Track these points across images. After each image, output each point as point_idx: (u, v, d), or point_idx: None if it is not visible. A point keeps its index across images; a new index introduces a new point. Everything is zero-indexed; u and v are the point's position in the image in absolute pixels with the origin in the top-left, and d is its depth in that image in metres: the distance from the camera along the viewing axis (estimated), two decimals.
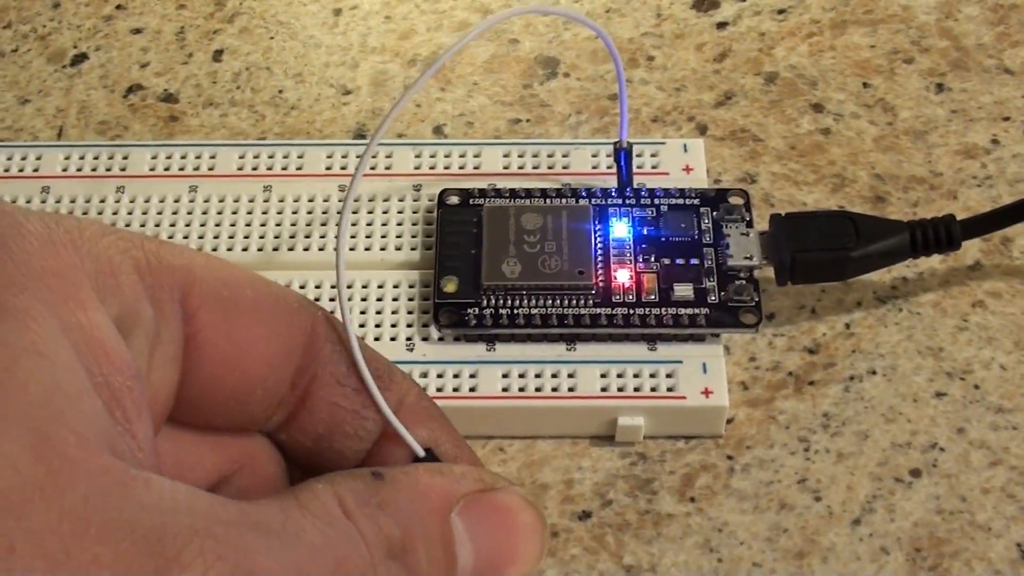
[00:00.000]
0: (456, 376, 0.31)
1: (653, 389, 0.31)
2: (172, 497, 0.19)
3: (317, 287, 0.32)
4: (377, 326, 0.32)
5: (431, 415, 0.25)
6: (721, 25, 0.40)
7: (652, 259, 0.32)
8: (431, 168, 0.35)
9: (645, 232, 0.32)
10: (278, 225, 0.34)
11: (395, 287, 0.32)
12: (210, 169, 0.35)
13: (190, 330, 0.23)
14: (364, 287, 0.32)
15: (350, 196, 0.26)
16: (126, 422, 0.20)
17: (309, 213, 0.34)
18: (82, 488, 0.18)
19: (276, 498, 0.21)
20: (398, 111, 0.25)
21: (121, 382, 0.20)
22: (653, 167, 0.35)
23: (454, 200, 0.33)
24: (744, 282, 0.31)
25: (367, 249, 0.33)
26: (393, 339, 0.31)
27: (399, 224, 0.34)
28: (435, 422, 0.25)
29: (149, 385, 0.22)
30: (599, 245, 0.32)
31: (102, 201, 0.34)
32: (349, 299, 0.32)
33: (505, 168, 0.35)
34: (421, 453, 0.24)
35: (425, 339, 0.31)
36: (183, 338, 0.23)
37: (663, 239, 0.32)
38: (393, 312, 0.32)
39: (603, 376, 0.31)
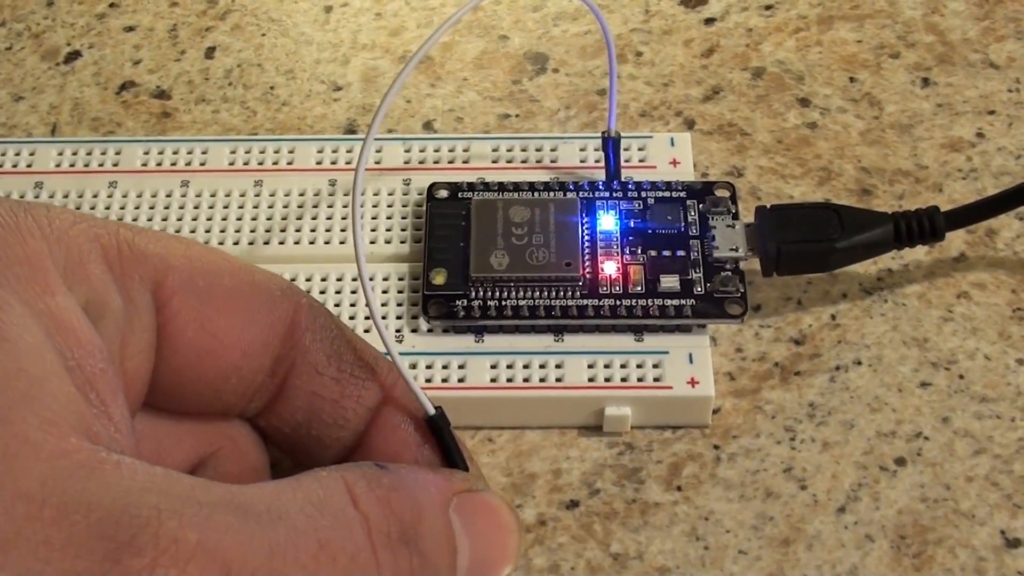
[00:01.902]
0: (445, 367, 0.31)
1: (640, 379, 0.31)
2: (146, 477, 0.19)
3: (307, 280, 0.33)
4: (367, 318, 0.32)
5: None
6: (709, 21, 0.40)
7: (639, 251, 0.32)
8: (420, 162, 0.35)
9: (632, 224, 0.33)
10: (269, 219, 0.34)
11: (384, 279, 0.33)
12: (202, 164, 0.35)
13: (162, 319, 0.23)
14: (354, 279, 0.33)
15: (357, 190, 0.26)
16: (101, 405, 0.20)
17: (300, 207, 0.34)
18: (40, 470, 0.18)
19: (274, 481, 0.21)
20: (403, 80, 0.25)
21: (93, 365, 0.20)
22: (640, 161, 0.35)
23: (443, 193, 0.34)
24: (730, 273, 0.32)
25: None
26: None
27: (388, 218, 0.34)
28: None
29: (122, 372, 0.22)
30: (586, 237, 0.32)
31: (95, 196, 0.35)
32: (338, 292, 0.33)
33: (494, 162, 0.35)
34: (432, 410, 0.24)
35: (414, 331, 0.32)
36: (155, 327, 0.23)
37: (650, 231, 0.33)
38: (383, 304, 0.32)
39: (590, 367, 0.31)
